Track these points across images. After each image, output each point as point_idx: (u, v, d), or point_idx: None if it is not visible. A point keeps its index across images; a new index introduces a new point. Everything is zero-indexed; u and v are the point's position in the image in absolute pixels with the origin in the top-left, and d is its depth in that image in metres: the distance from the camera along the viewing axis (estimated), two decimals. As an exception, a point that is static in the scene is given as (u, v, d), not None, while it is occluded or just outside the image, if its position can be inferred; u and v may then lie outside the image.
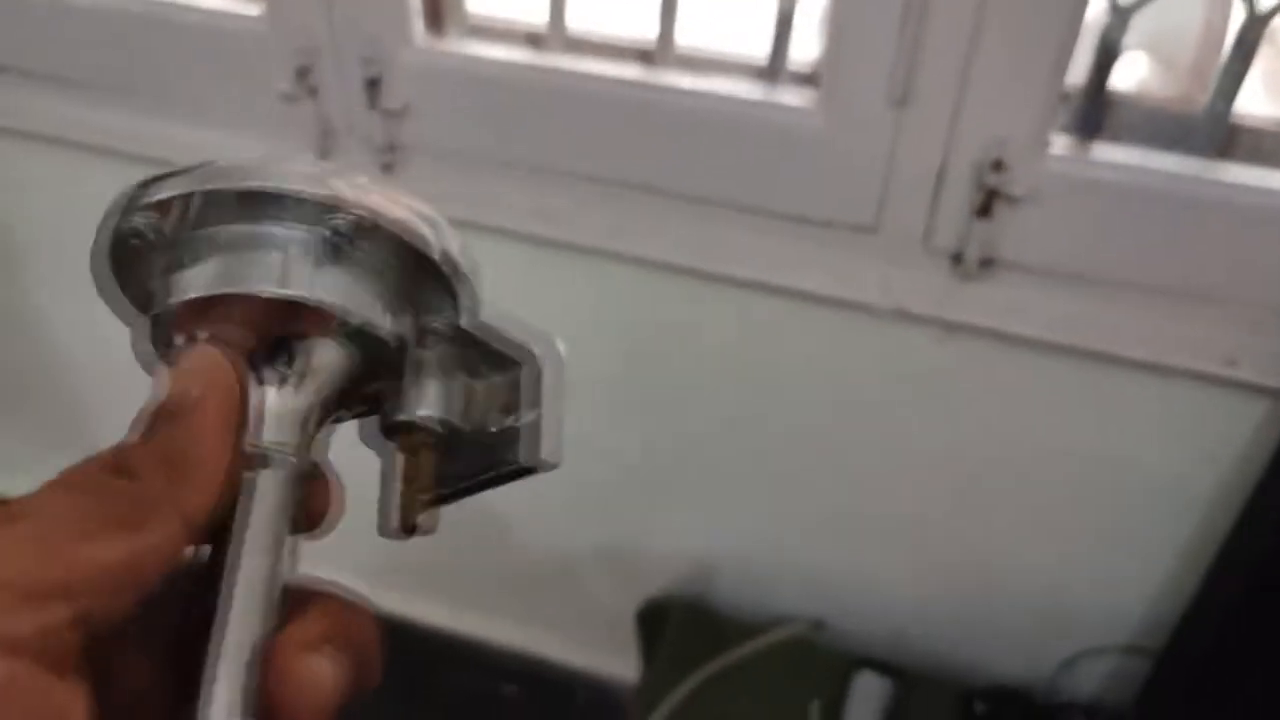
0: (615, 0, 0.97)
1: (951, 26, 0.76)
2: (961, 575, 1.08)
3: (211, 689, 0.21)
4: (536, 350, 0.28)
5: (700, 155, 0.88)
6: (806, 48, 0.90)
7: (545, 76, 0.89)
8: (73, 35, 1.02)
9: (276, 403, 0.24)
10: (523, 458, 0.27)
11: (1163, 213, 0.80)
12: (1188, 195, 0.79)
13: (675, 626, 1.12)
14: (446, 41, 0.93)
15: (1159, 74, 0.87)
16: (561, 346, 0.28)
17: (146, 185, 0.24)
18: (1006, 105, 0.78)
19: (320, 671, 0.23)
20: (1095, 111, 0.83)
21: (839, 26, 0.79)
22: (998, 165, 0.80)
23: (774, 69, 0.89)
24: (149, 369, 0.26)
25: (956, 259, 0.85)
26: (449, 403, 0.27)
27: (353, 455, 0.29)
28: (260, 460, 0.24)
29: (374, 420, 0.28)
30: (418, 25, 0.90)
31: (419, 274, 0.26)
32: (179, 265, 0.24)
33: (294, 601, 0.25)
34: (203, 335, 0.25)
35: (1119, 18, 0.78)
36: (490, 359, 0.28)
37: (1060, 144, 0.81)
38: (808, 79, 0.89)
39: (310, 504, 0.26)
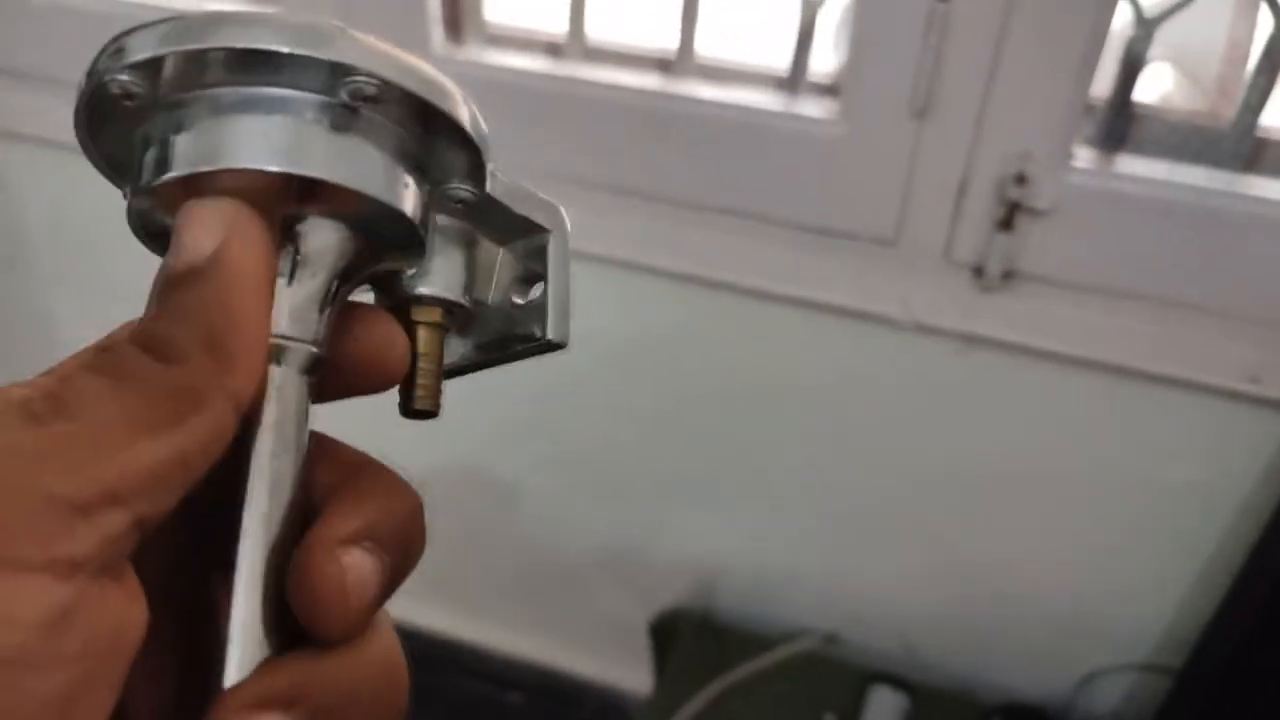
0: (635, 9, 0.97)
1: (975, 37, 0.76)
2: (978, 589, 1.07)
3: (235, 627, 0.20)
4: (548, 220, 0.26)
5: (719, 166, 0.88)
6: (826, 58, 0.90)
7: (564, 85, 0.89)
8: (83, 40, 1.02)
9: (286, 293, 0.22)
10: (538, 332, 0.26)
11: (1187, 227, 0.79)
12: (1212, 209, 0.78)
13: (686, 640, 1.11)
14: (465, 50, 0.93)
15: (1184, 87, 0.86)
16: (567, 217, 0.27)
17: (127, 36, 0.21)
18: (1030, 117, 0.78)
19: (358, 568, 0.21)
20: (1119, 124, 0.82)
21: (861, 37, 0.79)
22: (1020, 178, 0.79)
23: (794, 79, 0.89)
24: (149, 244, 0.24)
25: (978, 272, 0.85)
26: (458, 276, 0.25)
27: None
28: (275, 353, 0.22)
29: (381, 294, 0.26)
30: (437, 34, 0.90)
31: (435, 138, 0.23)
32: (171, 133, 0.21)
33: (328, 472, 0.23)
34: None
35: (1144, 30, 0.78)
36: (502, 229, 0.26)
37: (1084, 157, 0.81)
38: (828, 89, 0.88)
39: (353, 352, 0.24)
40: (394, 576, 0.22)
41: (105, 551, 0.18)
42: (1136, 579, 0.99)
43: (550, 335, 0.26)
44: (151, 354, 0.20)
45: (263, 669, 0.21)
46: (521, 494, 1.20)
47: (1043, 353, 0.86)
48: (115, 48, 0.21)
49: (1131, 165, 0.81)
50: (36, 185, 1.17)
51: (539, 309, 0.26)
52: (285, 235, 0.22)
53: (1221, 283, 0.81)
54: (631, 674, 1.24)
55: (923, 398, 0.95)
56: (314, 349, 0.22)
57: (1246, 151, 0.80)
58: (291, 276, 0.22)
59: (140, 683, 0.21)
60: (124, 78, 0.21)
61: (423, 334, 0.25)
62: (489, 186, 0.24)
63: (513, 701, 1.33)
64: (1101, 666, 1.04)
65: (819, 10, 0.86)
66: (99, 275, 1.22)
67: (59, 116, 1.12)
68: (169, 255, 0.21)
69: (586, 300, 1.03)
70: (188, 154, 0.21)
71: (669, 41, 0.89)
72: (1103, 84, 0.80)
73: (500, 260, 0.27)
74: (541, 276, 0.26)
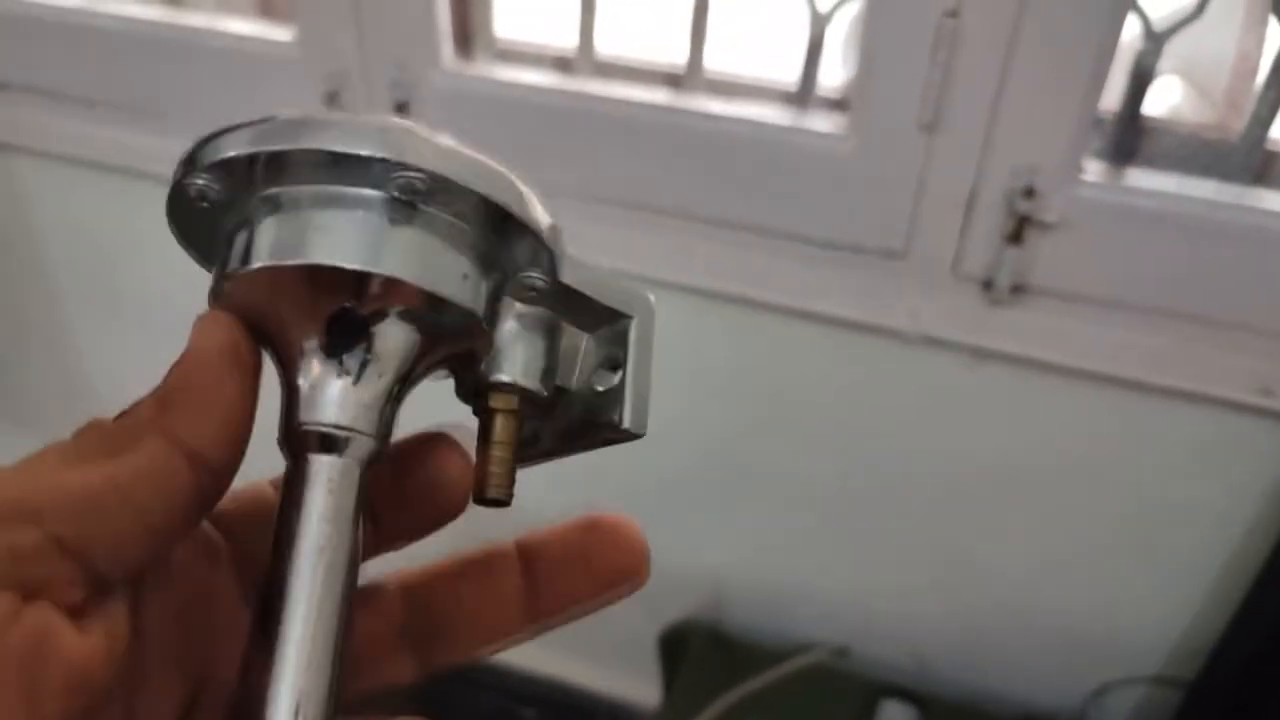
0: (644, 24, 0.98)
1: (984, 51, 0.76)
2: (989, 602, 1.06)
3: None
4: (631, 307, 0.26)
5: (728, 180, 0.88)
6: (834, 72, 0.90)
7: (573, 100, 0.89)
8: (104, 58, 1.03)
9: (341, 389, 0.22)
10: (616, 419, 0.26)
11: (1197, 240, 0.79)
12: (1222, 222, 0.78)
13: (696, 653, 1.11)
14: (475, 65, 0.93)
15: (1193, 100, 0.86)
16: (652, 299, 0.26)
17: (207, 142, 0.22)
18: (1039, 131, 0.78)
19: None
20: (1129, 137, 0.82)
21: (870, 51, 0.79)
22: (1029, 191, 0.79)
23: (803, 94, 0.89)
24: None
25: (987, 285, 0.85)
26: (538, 362, 0.25)
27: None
28: (330, 443, 0.22)
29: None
30: (446, 49, 0.91)
31: (503, 231, 0.23)
32: (244, 229, 0.22)
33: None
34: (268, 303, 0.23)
35: (1153, 43, 0.78)
36: (585, 315, 0.26)
37: (1093, 170, 0.81)
38: (837, 104, 0.88)
39: (426, 479, 0.25)
40: None
41: (17, 562, 0.18)
42: (1148, 591, 0.99)
43: (627, 424, 0.26)
44: (117, 416, 0.21)
45: None
46: (532, 506, 1.20)
47: (1052, 366, 0.86)
48: (193, 152, 0.22)
49: (1141, 178, 0.81)
50: (48, 199, 1.18)
51: (617, 396, 0.26)
52: (358, 334, 0.22)
53: (1231, 295, 0.80)
54: (643, 688, 1.24)
55: (931, 411, 0.95)
56: (373, 440, 0.22)
57: (1256, 164, 0.80)
58: (359, 376, 0.22)
59: None
60: (200, 181, 0.22)
61: (499, 421, 0.25)
62: (563, 275, 0.24)
63: (527, 717, 1.33)
64: (1113, 679, 1.04)
65: (828, 25, 0.86)
66: (110, 288, 1.23)
67: (68, 131, 1.14)
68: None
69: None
70: (265, 248, 0.22)
71: (678, 56, 0.90)
72: (1112, 97, 0.80)
73: (584, 347, 0.27)
74: (622, 364, 0.26)
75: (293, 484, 0.22)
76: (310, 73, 0.94)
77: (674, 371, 1.02)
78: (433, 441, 0.25)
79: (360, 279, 0.21)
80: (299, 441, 0.22)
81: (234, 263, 0.22)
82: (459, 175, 0.21)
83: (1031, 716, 1.06)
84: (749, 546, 1.13)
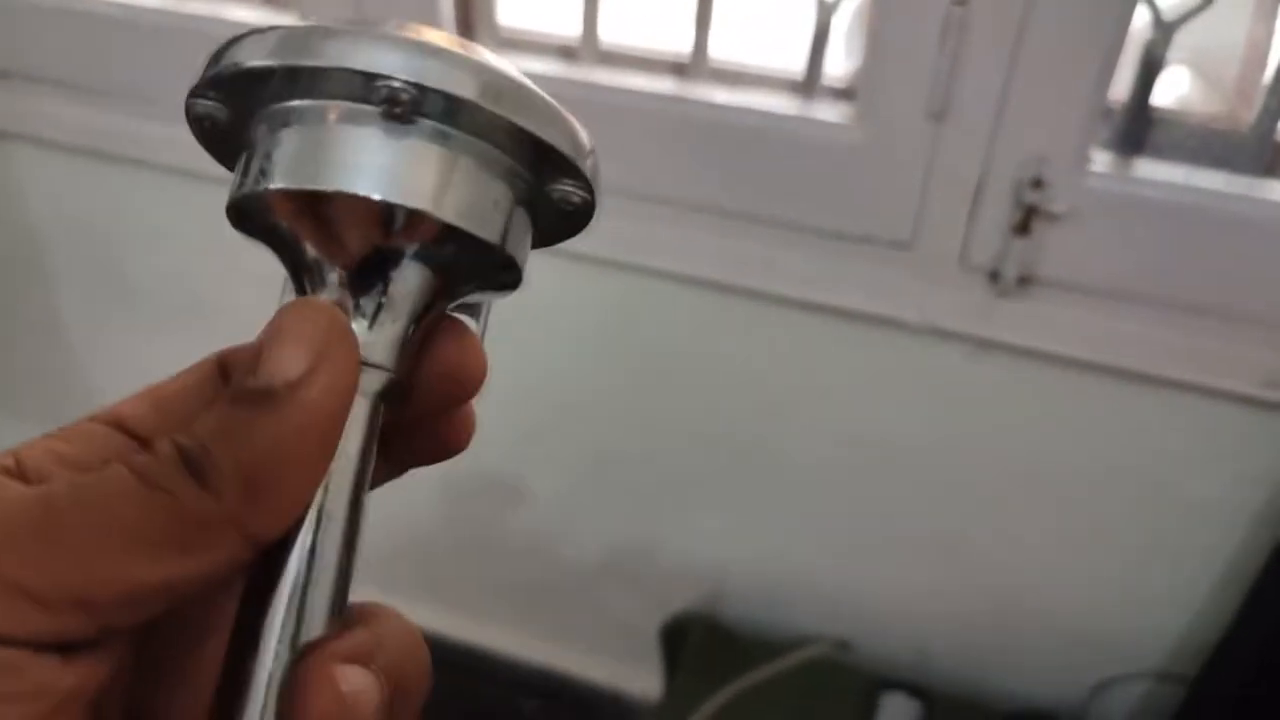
0: (649, 13, 0.97)
1: (992, 41, 0.75)
2: (991, 595, 1.06)
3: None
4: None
5: (734, 169, 0.87)
6: (840, 61, 0.89)
7: (578, 90, 0.89)
8: (105, 46, 1.02)
9: (367, 335, 0.21)
10: None
11: (1205, 232, 0.78)
12: (1231, 214, 0.78)
13: (697, 645, 1.11)
14: (478, 53, 0.93)
15: (1202, 90, 0.85)
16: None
17: (224, 50, 0.21)
18: (1047, 121, 0.77)
19: (359, 690, 0.20)
20: (1137, 128, 0.82)
21: (878, 40, 0.78)
22: (1037, 182, 0.79)
23: (810, 83, 0.88)
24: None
25: (993, 276, 0.84)
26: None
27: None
28: None
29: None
30: (450, 37, 0.90)
31: (535, 153, 0.22)
32: (274, 143, 0.21)
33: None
34: (310, 254, 0.21)
35: (1163, 33, 0.77)
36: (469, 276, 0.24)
37: (1101, 161, 0.80)
38: (843, 93, 0.88)
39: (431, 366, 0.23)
40: (394, 714, 0.21)
41: (51, 640, 0.17)
42: (1151, 586, 0.98)
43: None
44: (189, 469, 0.19)
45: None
46: (536, 500, 1.20)
47: (1058, 358, 0.86)
48: (210, 61, 0.21)
49: (1149, 169, 0.80)
50: (47, 187, 1.17)
51: (473, 316, 0.26)
52: (376, 273, 0.21)
53: (1240, 287, 0.80)
54: (646, 681, 1.24)
55: (937, 402, 0.94)
56: (388, 374, 0.21)
57: (1266, 155, 0.79)
58: (373, 320, 0.21)
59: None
60: (206, 102, 0.21)
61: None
62: (597, 194, 0.23)
63: (529, 708, 1.33)
64: (1115, 674, 1.03)
65: (834, 13, 0.85)
66: (109, 277, 1.22)
67: (68, 119, 1.14)
68: (254, 356, 0.20)
69: (599, 305, 1.04)
70: (289, 168, 0.21)
71: (683, 44, 0.89)
72: (1120, 87, 0.80)
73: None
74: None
75: None
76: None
77: (678, 361, 1.02)
78: (446, 324, 0.24)
79: (388, 210, 0.20)
80: None
81: (259, 177, 0.21)
82: (495, 102, 0.20)
83: (1033, 711, 1.05)
84: (751, 538, 1.13)
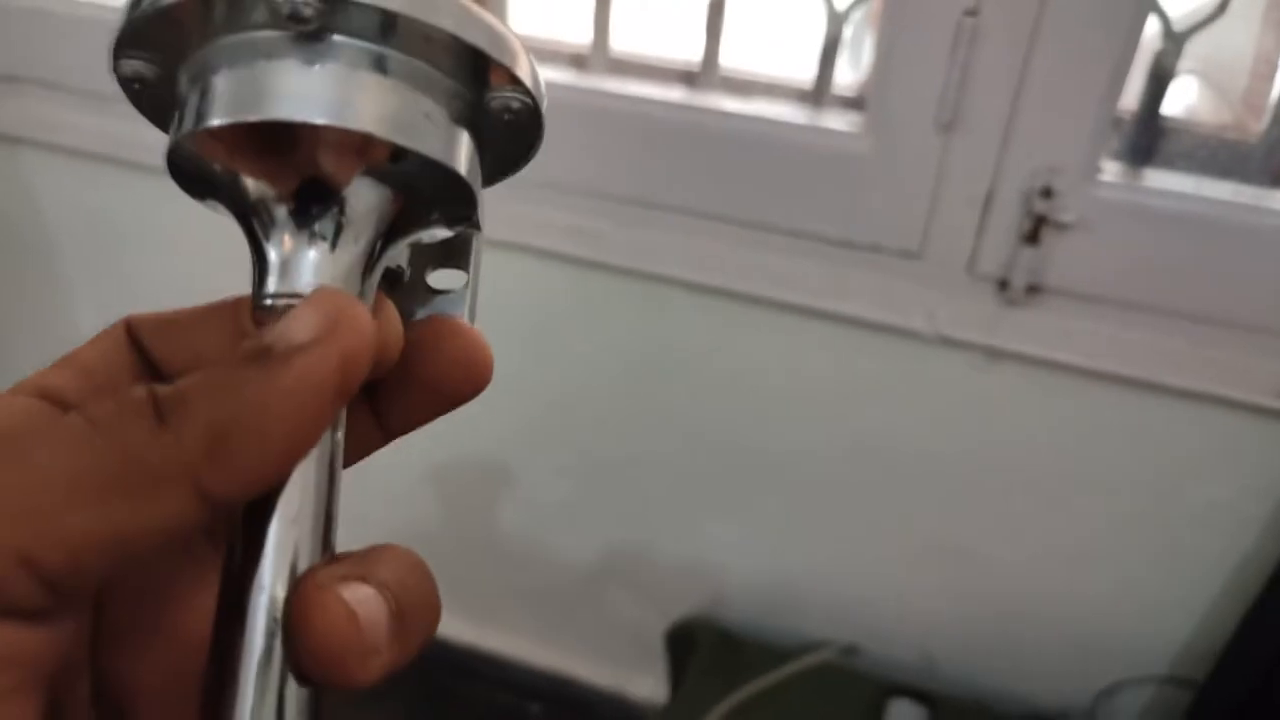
0: (660, 22, 0.97)
1: (1002, 51, 0.75)
2: (998, 601, 1.06)
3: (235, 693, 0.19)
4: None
5: (744, 178, 0.87)
6: (849, 70, 0.90)
7: (588, 98, 0.89)
8: (106, 51, 1.03)
9: (317, 265, 0.20)
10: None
11: (1215, 242, 0.79)
12: (1240, 224, 0.78)
13: (703, 651, 1.11)
14: (489, 61, 0.93)
15: (1212, 101, 0.86)
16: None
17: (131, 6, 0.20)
18: (1057, 131, 0.78)
19: (367, 603, 0.19)
20: (1147, 138, 0.82)
21: (888, 50, 0.79)
22: (1047, 191, 0.79)
23: (820, 92, 0.88)
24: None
25: (1002, 285, 0.84)
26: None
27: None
28: None
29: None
30: (461, 45, 0.90)
31: (466, 65, 0.21)
32: (209, 80, 0.20)
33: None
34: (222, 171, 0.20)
35: (1173, 43, 0.78)
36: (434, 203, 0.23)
37: (1111, 170, 0.80)
38: (853, 102, 0.88)
39: (438, 362, 0.22)
40: (405, 633, 0.20)
41: (9, 603, 0.17)
42: (1158, 592, 0.99)
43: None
44: (154, 412, 0.17)
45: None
46: (542, 504, 1.20)
47: (1067, 367, 0.86)
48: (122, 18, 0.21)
49: (1159, 179, 0.81)
50: (57, 191, 1.18)
51: (458, 302, 0.25)
52: (328, 199, 0.20)
53: (1249, 297, 0.80)
54: (650, 685, 1.24)
55: (946, 410, 0.95)
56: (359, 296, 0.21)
57: (1274, 166, 0.80)
58: (335, 241, 0.21)
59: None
60: (132, 61, 0.21)
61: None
62: (543, 103, 0.22)
63: (533, 711, 1.33)
64: (1122, 679, 1.04)
65: (845, 23, 0.85)
66: (120, 281, 1.22)
67: (77, 124, 1.14)
68: (281, 320, 0.19)
69: (608, 312, 1.04)
70: (226, 103, 0.20)
71: (694, 53, 0.89)
72: (1130, 97, 0.80)
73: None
74: (459, 267, 0.25)
75: None
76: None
77: (687, 368, 1.02)
78: (443, 321, 0.24)
79: (312, 132, 0.20)
80: (272, 317, 0.20)
81: (187, 124, 0.20)
82: (407, 8, 0.19)
83: (1040, 715, 1.06)
84: (759, 544, 1.13)
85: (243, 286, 0.23)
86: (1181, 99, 0.84)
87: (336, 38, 0.19)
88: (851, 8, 0.85)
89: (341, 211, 0.21)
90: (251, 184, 0.21)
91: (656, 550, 1.18)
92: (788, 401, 1.00)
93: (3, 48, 1.07)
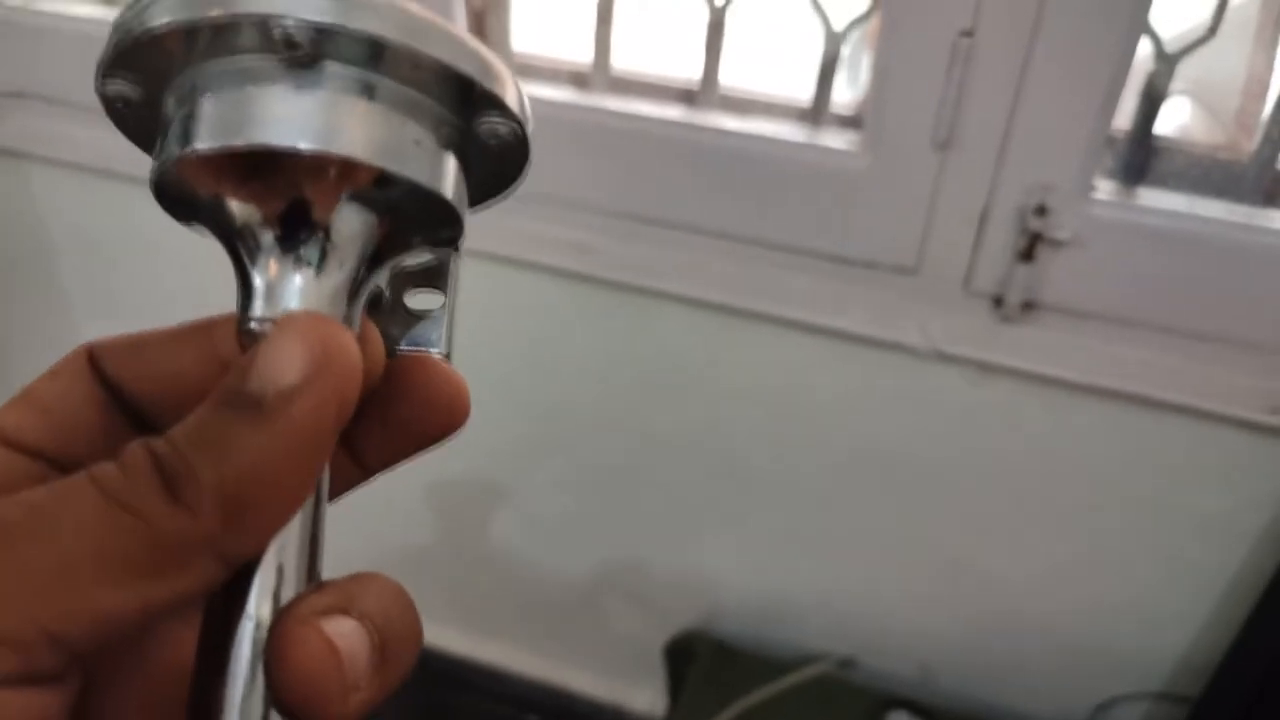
0: (660, 40, 0.98)
1: (998, 70, 0.76)
2: (994, 615, 1.07)
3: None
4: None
5: (743, 195, 0.88)
6: (847, 89, 0.91)
7: (589, 115, 0.90)
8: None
9: (303, 291, 0.20)
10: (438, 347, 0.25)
11: (1207, 259, 0.80)
12: (1233, 242, 0.79)
13: (702, 664, 1.11)
14: (491, 79, 0.94)
15: (1204, 121, 0.87)
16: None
17: (121, 27, 0.20)
18: (1051, 149, 0.79)
19: (348, 638, 0.19)
20: (1140, 157, 0.83)
21: (884, 69, 0.80)
22: (1041, 209, 0.80)
23: (817, 110, 0.89)
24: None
25: (997, 302, 0.85)
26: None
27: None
28: None
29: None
30: (463, 62, 0.91)
31: (454, 90, 0.21)
32: (193, 105, 0.20)
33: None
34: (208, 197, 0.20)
35: (1165, 64, 0.79)
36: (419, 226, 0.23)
37: (1105, 189, 0.81)
38: (850, 121, 0.89)
39: (410, 399, 0.22)
40: (386, 667, 0.20)
41: (25, 674, 0.16)
42: (1154, 607, 0.99)
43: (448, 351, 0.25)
44: (163, 483, 0.17)
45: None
46: (539, 516, 1.21)
47: (1062, 382, 0.87)
48: (110, 40, 0.21)
49: (1152, 198, 0.82)
50: (62, 207, 1.18)
51: (437, 324, 0.25)
52: (311, 223, 0.20)
53: (1241, 314, 0.81)
54: (648, 697, 1.24)
55: (941, 426, 0.95)
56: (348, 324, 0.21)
57: (1266, 185, 0.80)
58: (320, 266, 0.21)
59: None
60: (116, 82, 0.21)
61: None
62: (529, 128, 0.22)
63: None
64: (1118, 694, 1.04)
65: (843, 42, 0.86)
66: (123, 297, 1.23)
67: (83, 139, 1.14)
68: (249, 357, 0.18)
69: (605, 327, 1.05)
70: (213, 128, 0.20)
71: (693, 72, 0.90)
72: (1123, 117, 0.81)
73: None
74: (437, 288, 0.25)
75: None
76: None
77: (684, 382, 1.03)
78: (419, 361, 0.23)
79: (298, 157, 0.20)
80: (257, 341, 0.20)
81: (172, 148, 0.20)
82: (397, 35, 0.19)
83: (1037, 730, 1.06)
84: (756, 557, 1.14)
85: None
86: (1174, 119, 0.85)
87: (327, 64, 0.20)
88: (849, 27, 0.86)
89: (327, 237, 0.21)
90: (237, 208, 0.21)
91: (654, 563, 1.19)
92: (784, 416, 1.01)
93: (7, 63, 1.08)
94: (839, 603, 1.12)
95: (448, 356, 0.24)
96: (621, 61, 0.92)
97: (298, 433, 0.18)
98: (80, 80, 1.07)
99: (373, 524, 0.95)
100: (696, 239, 0.91)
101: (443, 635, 1.34)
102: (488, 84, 0.21)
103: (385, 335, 0.24)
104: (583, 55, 0.93)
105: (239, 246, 0.21)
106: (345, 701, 0.18)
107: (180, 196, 0.21)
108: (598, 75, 0.93)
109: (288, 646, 0.18)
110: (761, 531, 1.11)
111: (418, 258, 0.24)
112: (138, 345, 0.22)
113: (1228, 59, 0.83)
